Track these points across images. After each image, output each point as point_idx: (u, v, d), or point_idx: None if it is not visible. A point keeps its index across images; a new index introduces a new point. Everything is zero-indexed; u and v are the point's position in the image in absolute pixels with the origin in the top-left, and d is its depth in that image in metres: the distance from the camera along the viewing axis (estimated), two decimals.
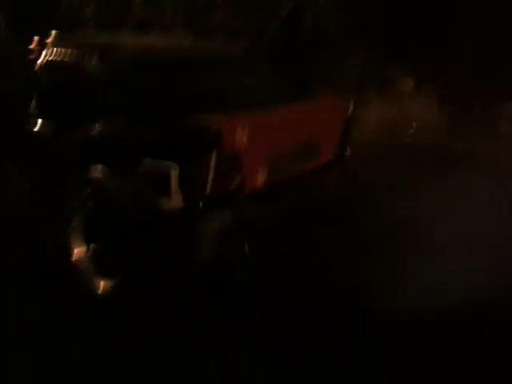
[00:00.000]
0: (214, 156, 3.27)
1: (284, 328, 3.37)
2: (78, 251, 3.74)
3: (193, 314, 3.45)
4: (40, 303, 3.62)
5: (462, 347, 3.22)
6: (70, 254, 3.74)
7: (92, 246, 3.73)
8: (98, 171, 3.59)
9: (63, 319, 3.46)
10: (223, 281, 3.72)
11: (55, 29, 9.03)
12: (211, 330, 3.34)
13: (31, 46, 4.43)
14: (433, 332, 3.32)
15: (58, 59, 4.11)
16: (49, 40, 4.73)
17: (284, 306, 3.59)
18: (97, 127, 3.68)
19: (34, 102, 4.10)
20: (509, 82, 7.37)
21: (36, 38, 4.53)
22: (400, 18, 7.80)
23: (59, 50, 4.22)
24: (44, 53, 4.19)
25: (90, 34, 8.66)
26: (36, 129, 4.07)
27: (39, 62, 4.15)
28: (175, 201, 3.32)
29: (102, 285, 3.63)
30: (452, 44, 7.72)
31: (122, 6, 9.94)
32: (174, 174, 3.27)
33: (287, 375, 3.05)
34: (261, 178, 3.62)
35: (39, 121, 4.06)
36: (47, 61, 4.13)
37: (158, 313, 3.46)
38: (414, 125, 7.74)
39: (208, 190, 3.33)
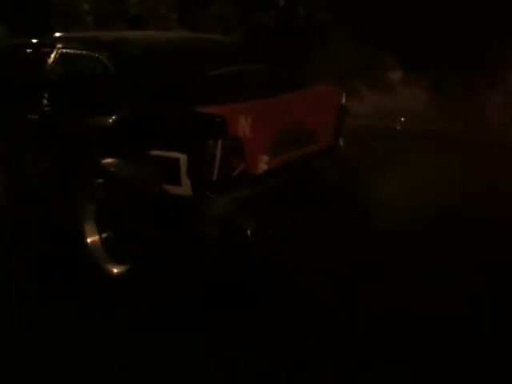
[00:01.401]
0: (219, 143, 3.39)
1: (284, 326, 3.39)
2: (91, 239, 3.90)
3: (194, 312, 3.49)
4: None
5: None
6: (83, 241, 3.88)
7: (104, 234, 3.88)
8: (108, 160, 3.72)
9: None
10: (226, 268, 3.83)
11: (54, 23, 9.16)
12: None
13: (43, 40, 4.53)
14: None
15: (72, 52, 4.22)
16: (61, 34, 4.89)
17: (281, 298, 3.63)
18: (108, 116, 3.79)
19: (47, 92, 4.21)
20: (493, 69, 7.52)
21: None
22: (390, 6, 7.90)
23: (72, 43, 4.36)
24: (57, 46, 4.29)
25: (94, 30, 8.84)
26: (49, 119, 4.19)
27: (53, 54, 4.25)
28: (184, 188, 3.45)
29: (115, 272, 3.77)
30: (439, 33, 7.83)
31: (117, 2, 10.04)
32: (183, 163, 3.41)
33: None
34: (261, 164, 3.73)
35: (53, 111, 4.18)
36: (61, 53, 4.23)
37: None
38: (403, 118, 7.85)
39: (214, 177, 3.44)
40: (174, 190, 3.50)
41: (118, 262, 3.78)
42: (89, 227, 3.88)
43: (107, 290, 3.72)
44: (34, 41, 4.56)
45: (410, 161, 5.90)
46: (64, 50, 4.24)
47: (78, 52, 4.21)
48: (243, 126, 3.54)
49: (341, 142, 4.54)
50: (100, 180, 3.78)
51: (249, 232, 3.62)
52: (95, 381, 3.03)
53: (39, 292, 3.78)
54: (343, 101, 4.54)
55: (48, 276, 3.96)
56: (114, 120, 3.78)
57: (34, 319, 3.51)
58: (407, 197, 4.89)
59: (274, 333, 3.33)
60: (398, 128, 7.61)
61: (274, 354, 3.17)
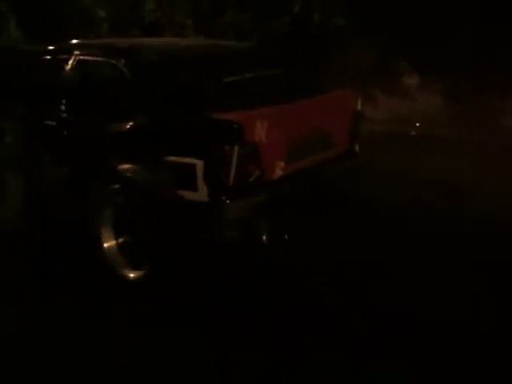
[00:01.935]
0: (235, 149, 3.40)
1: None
2: (108, 244, 3.91)
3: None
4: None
5: None
6: (99, 246, 3.90)
7: (121, 239, 3.89)
8: (125, 166, 3.75)
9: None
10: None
11: (71, 30, 9.25)
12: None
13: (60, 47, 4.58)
14: None
15: (89, 58, 4.26)
16: (78, 41, 4.93)
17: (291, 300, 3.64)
18: (125, 122, 3.82)
19: (65, 98, 4.25)
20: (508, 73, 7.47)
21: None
22: (405, 12, 7.89)
23: (89, 50, 4.41)
24: (74, 52, 4.33)
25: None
26: (67, 125, 4.22)
27: (70, 61, 4.28)
28: (200, 194, 3.46)
29: (131, 277, 3.78)
30: (453, 37, 7.80)
31: (133, 10, 10.11)
32: (200, 168, 3.42)
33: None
34: (277, 170, 3.73)
35: (70, 117, 4.22)
36: (79, 59, 4.27)
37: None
38: (418, 124, 7.83)
39: (230, 183, 3.45)
40: (190, 195, 3.52)
41: (134, 267, 3.80)
42: (106, 232, 3.91)
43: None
44: (52, 47, 4.61)
45: (425, 165, 5.90)
46: (81, 57, 4.28)
47: (95, 58, 4.25)
48: (259, 132, 3.55)
49: (356, 148, 4.53)
50: (117, 185, 3.81)
51: (264, 237, 3.64)
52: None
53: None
54: (359, 106, 4.54)
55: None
56: (131, 126, 3.81)
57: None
58: (422, 201, 4.89)
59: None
60: (413, 133, 7.59)
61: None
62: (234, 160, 3.43)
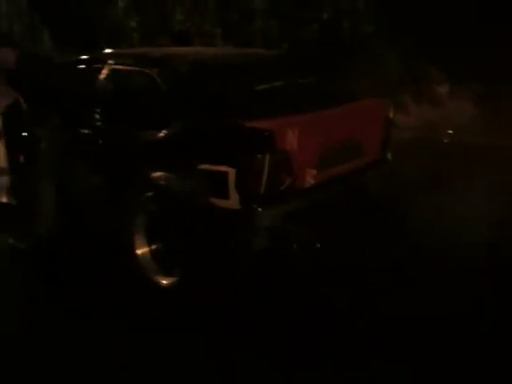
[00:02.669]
0: (267, 157, 3.42)
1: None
2: (141, 251, 3.95)
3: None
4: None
5: None
6: (133, 253, 3.95)
7: (154, 245, 3.93)
8: (159, 174, 3.79)
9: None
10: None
11: (102, 41, 9.40)
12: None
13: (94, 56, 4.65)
14: None
15: (122, 68, 4.32)
16: (111, 50, 5.01)
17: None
18: (158, 131, 3.87)
19: (99, 107, 4.32)
20: None
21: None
22: (437, 19, 7.84)
23: (122, 59, 4.47)
24: (108, 62, 4.40)
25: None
26: (101, 133, 4.29)
27: (104, 70, 4.35)
28: (232, 202, 3.49)
29: (164, 284, 3.82)
30: (485, 45, 7.72)
31: (163, 19, 10.24)
32: (232, 176, 3.45)
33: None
34: (309, 178, 3.74)
35: (105, 126, 4.29)
36: (113, 69, 4.33)
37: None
38: (451, 131, 7.75)
39: (261, 191, 3.47)
40: (222, 203, 3.54)
41: (166, 274, 3.83)
42: (139, 239, 3.95)
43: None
44: (86, 57, 4.70)
45: (458, 173, 5.83)
46: (115, 66, 4.34)
47: (129, 68, 4.31)
48: (291, 140, 3.56)
49: (388, 156, 4.51)
50: (150, 193, 3.84)
51: (295, 246, 3.64)
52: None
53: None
54: (391, 114, 4.52)
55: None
56: (164, 135, 3.85)
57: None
58: (454, 210, 4.83)
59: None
60: (445, 141, 7.52)
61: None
62: (266, 168, 3.45)
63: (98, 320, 3.55)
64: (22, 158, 4.55)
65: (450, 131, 7.71)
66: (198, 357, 3.17)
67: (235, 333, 3.38)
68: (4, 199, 4.70)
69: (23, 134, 4.43)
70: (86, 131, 4.33)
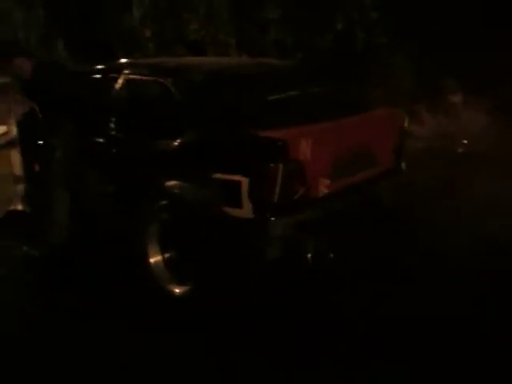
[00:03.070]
0: (280, 167, 3.41)
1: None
2: (154, 260, 3.96)
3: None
4: None
5: None
6: (146, 262, 3.96)
7: (167, 254, 3.95)
8: (172, 183, 3.80)
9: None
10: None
11: (117, 50, 9.47)
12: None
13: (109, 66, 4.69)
14: None
15: (137, 77, 4.36)
16: (126, 60, 5.04)
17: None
18: (172, 140, 3.88)
19: (114, 116, 4.35)
20: None
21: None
22: (450, 30, 7.82)
23: (137, 69, 4.51)
24: (123, 72, 4.43)
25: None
26: (116, 142, 4.31)
27: (119, 80, 4.38)
28: (245, 211, 3.49)
29: (177, 292, 3.83)
30: (500, 55, 7.69)
31: (177, 29, 10.31)
32: (245, 186, 3.45)
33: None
34: (322, 188, 3.73)
35: (119, 135, 4.31)
36: (127, 78, 4.36)
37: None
38: (465, 141, 7.71)
39: (275, 200, 3.46)
40: (235, 212, 3.54)
41: (180, 283, 3.83)
42: (152, 248, 3.96)
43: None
44: (101, 66, 4.74)
45: (472, 183, 5.80)
46: (130, 76, 4.37)
47: (144, 78, 4.34)
48: (304, 150, 3.56)
49: (402, 165, 4.49)
50: (164, 202, 3.85)
51: (309, 255, 3.62)
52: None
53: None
54: (405, 124, 4.51)
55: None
56: (178, 144, 3.86)
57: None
58: (468, 220, 4.80)
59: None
60: (459, 151, 7.48)
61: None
62: (279, 177, 3.44)
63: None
64: (36, 167, 4.59)
65: (465, 141, 7.67)
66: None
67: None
68: (19, 207, 4.74)
69: (38, 142, 4.47)
70: (101, 140, 4.37)
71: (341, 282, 3.96)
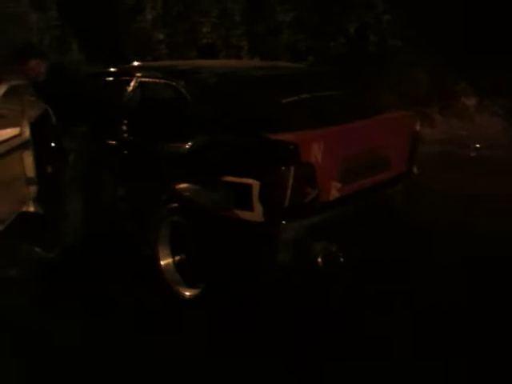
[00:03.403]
0: (291, 170, 3.41)
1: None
2: (165, 262, 3.97)
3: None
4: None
5: None
6: (156, 264, 3.97)
7: (177, 257, 3.95)
8: (183, 185, 3.80)
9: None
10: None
11: (129, 53, 9.52)
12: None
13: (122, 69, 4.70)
14: None
15: (149, 80, 4.38)
16: (139, 63, 5.06)
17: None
18: (183, 143, 3.88)
19: (126, 119, 4.36)
20: None
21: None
22: (464, 33, 7.79)
23: (149, 72, 4.53)
24: (135, 74, 4.45)
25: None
26: (127, 145, 4.32)
27: (132, 82, 4.39)
28: (256, 214, 3.48)
29: (187, 295, 3.83)
30: None
31: (189, 32, 10.34)
32: (256, 189, 3.44)
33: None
34: (333, 191, 3.71)
35: (131, 137, 4.33)
36: (139, 81, 4.38)
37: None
38: (478, 145, 7.67)
39: (286, 204, 3.46)
40: (246, 215, 3.54)
41: (190, 285, 3.84)
42: (162, 250, 3.97)
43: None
44: (114, 69, 4.76)
45: (484, 188, 5.76)
46: (142, 79, 4.39)
47: (156, 80, 4.37)
48: (316, 153, 3.54)
49: (415, 169, 4.47)
50: (175, 204, 3.86)
51: (320, 259, 3.61)
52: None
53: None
54: (417, 128, 4.48)
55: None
56: (189, 146, 3.86)
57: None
58: (480, 225, 4.77)
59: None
60: (472, 155, 7.44)
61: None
62: (290, 181, 3.43)
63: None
64: (49, 169, 4.61)
65: (478, 145, 7.63)
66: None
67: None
68: (31, 209, 4.76)
69: (51, 144, 4.50)
70: (113, 142, 4.38)
71: (347, 283, 3.96)
